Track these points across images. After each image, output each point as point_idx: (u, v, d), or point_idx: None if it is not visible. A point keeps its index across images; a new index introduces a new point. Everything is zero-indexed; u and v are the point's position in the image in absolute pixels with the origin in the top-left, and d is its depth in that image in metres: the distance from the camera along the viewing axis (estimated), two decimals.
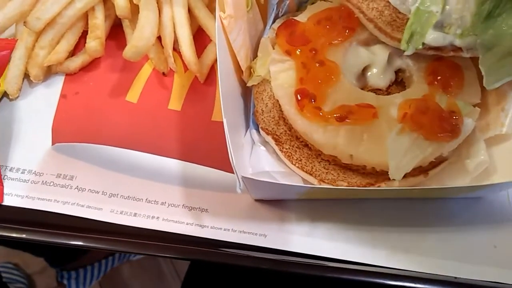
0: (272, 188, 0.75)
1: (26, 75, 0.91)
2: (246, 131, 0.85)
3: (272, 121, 0.82)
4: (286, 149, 0.80)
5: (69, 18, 0.89)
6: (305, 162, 0.79)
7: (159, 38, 0.93)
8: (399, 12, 0.77)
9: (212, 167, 0.83)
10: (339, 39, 0.80)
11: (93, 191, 0.80)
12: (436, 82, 0.78)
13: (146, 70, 0.95)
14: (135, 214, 0.79)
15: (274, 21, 0.90)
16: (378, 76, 0.82)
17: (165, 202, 0.80)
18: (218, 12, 0.75)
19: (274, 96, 0.82)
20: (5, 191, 0.80)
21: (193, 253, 0.76)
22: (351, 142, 0.73)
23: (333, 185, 0.77)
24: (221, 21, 0.76)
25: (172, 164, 0.84)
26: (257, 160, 0.82)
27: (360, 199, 0.81)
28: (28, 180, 0.81)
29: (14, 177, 0.82)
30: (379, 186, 0.76)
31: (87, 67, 0.94)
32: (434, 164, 0.78)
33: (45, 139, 0.85)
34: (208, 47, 0.95)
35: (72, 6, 0.89)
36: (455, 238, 0.79)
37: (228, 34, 0.78)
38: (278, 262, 0.76)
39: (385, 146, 0.72)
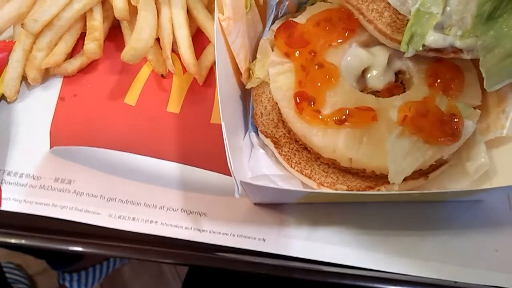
0: (270, 192, 0.74)
1: (24, 78, 0.90)
2: (245, 134, 0.85)
3: (271, 124, 0.81)
4: (285, 152, 0.79)
5: (67, 20, 0.89)
6: (304, 165, 0.78)
7: (157, 40, 0.92)
8: (399, 14, 0.76)
9: (211, 170, 0.83)
10: (339, 41, 0.79)
11: (91, 195, 0.80)
12: (436, 84, 0.77)
13: (145, 72, 0.94)
14: (133, 219, 0.78)
15: (273, 22, 0.89)
16: (378, 78, 0.81)
17: (164, 206, 0.80)
18: (216, 14, 0.75)
19: (273, 99, 0.81)
20: (3, 195, 0.80)
21: (191, 258, 0.75)
22: (351, 145, 0.73)
23: (332, 189, 0.76)
24: (220, 23, 0.75)
25: (171, 167, 0.83)
26: (256, 163, 0.82)
27: (359, 203, 0.80)
28: (26, 184, 0.81)
29: (12, 181, 0.81)
30: (378, 190, 0.75)
31: (85, 69, 0.93)
32: (434, 167, 0.77)
33: (43, 142, 0.85)
34: (207, 48, 0.94)
35: (70, 8, 0.88)
36: (455, 241, 0.79)
37: (227, 36, 0.77)
38: (277, 267, 0.76)
39: (384, 149, 0.71)
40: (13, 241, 0.77)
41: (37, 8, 0.87)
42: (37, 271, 1.89)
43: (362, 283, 0.75)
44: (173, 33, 0.91)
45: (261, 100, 0.83)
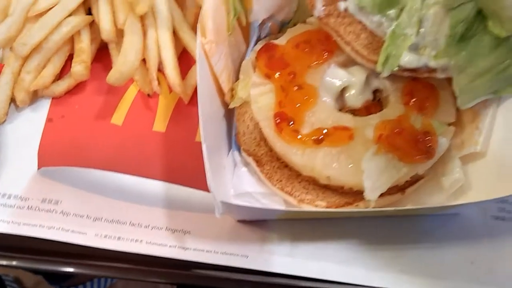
0: (251, 211, 0.77)
1: (13, 100, 0.92)
2: (229, 152, 0.87)
3: (254, 143, 0.84)
4: (267, 170, 0.81)
5: (55, 42, 0.91)
6: (285, 183, 0.81)
7: (144, 60, 0.95)
8: (375, 35, 0.78)
9: (195, 188, 0.85)
10: (318, 62, 0.82)
11: (77, 216, 0.82)
12: (411, 103, 0.80)
13: (132, 92, 0.96)
14: (119, 238, 0.80)
15: (256, 43, 0.92)
16: (356, 97, 0.83)
17: (149, 225, 0.82)
18: (199, 38, 0.77)
19: (255, 118, 0.83)
20: None
21: (175, 277, 0.77)
22: (328, 163, 0.75)
23: (312, 205, 0.78)
24: (203, 46, 0.78)
25: (156, 186, 0.85)
26: (239, 180, 0.84)
27: (339, 219, 0.83)
28: (14, 205, 0.83)
29: (0, 202, 0.83)
30: (357, 205, 0.78)
31: (73, 90, 0.95)
32: (410, 182, 0.80)
33: (31, 163, 0.86)
34: (193, 68, 0.96)
35: (58, 31, 0.91)
36: (432, 254, 0.81)
37: (210, 58, 0.80)
38: (260, 284, 0.78)
39: (361, 167, 0.73)
40: (4, 263, 0.78)
41: (25, 32, 0.90)
42: (33, 283, 1.89)
43: None
44: (159, 54, 0.93)
45: (243, 120, 0.86)
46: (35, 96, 0.94)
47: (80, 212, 0.82)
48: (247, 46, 0.92)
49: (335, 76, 0.83)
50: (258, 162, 0.82)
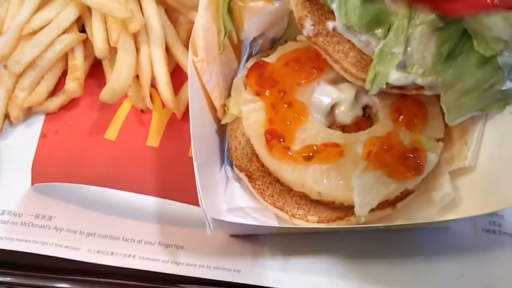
0: (243, 227, 0.77)
1: (7, 116, 0.93)
2: (222, 167, 0.88)
3: (245, 158, 0.85)
4: (259, 185, 0.82)
5: (49, 60, 0.92)
6: (277, 198, 0.82)
7: (137, 76, 0.96)
8: (364, 54, 0.80)
9: (188, 203, 0.86)
10: (307, 80, 0.83)
11: (71, 231, 0.82)
12: (400, 119, 0.81)
13: (125, 108, 0.97)
14: (112, 253, 0.81)
15: (248, 59, 0.94)
16: (346, 113, 0.85)
17: (142, 240, 0.82)
18: (190, 57, 0.79)
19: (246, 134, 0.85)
20: None
21: None
22: (319, 180, 0.76)
23: (304, 220, 0.79)
24: (194, 64, 0.79)
25: (149, 201, 0.86)
26: (232, 195, 0.85)
27: (331, 233, 0.84)
28: (8, 221, 0.83)
29: None
30: (348, 220, 0.79)
31: (67, 106, 0.97)
32: (401, 197, 0.81)
33: (24, 179, 0.87)
34: (186, 84, 0.97)
35: (52, 49, 0.92)
36: (423, 267, 0.82)
37: (202, 76, 0.81)
38: None
39: (351, 183, 0.74)
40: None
41: (19, 50, 0.91)
42: None
43: None
44: (152, 70, 0.94)
45: (235, 135, 0.87)
46: (29, 112, 0.95)
47: (73, 227, 0.83)
48: (239, 63, 0.93)
49: (324, 93, 0.85)
50: (250, 177, 0.83)
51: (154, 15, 0.95)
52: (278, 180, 0.83)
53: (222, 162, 0.89)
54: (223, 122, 0.88)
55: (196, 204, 0.84)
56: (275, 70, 0.84)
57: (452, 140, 0.85)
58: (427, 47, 0.76)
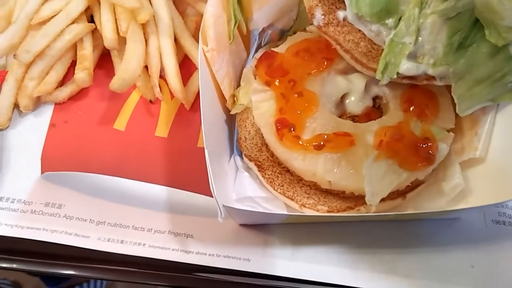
0: (253, 215, 0.77)
1: (16, 105, 0.93)
2: (231, 157, 0.88)
3: (255, 148, 0.85)
4: (269, 175, 0.82)
5: (58, 50, 0.92)
6: (287, 188, 0.82)
7: (146, 67, 0.96)
8: (374, 44, 0.80)
9: (198, 193, 0.85)
10: (318, 70, 0.83)
11: (80, 219, 0.83)
12: (411, 109, 0.81)
13: (134, 98, 0.97)
14: (122, 241, 0.81)
15: (257, 50, 0.94)
16: (356, 104, 0.85)
17: (151, 229, 0.82)
18: (201, 46, 0.78)
19: (256, 124, 0.84)
20: None
21: (178, 280, 0.78)
22: (329, 169, 0.76)
23: (314, 209, 0.79)
24: (204, 54, 0.79)
25: (159, 191, 0.86)
26: (241, 185, 0.85)
27: (341, 222, 0.83)
28: (18, 209, 0.83)
29: (4, 206, 0.83)
30: (358, 210, 0.78)
31: (76, 96, 0.96)
32: (411, 187, 0.81)
33: (34, 168, 0.87)
34: (194, 74, 0.98)
35: (61, 38, 0.92)
36: (433, 258, 0.82)
37: (211, 66, 0.81)
38: (262, 287, 0.78)
39: (362, 172, 0.74)
40: (4, 265, 0.79)
41: (29, 39, 0.91)
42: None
43: None
44: (161, 61, 0.94)
45: (245, 125, 0.87)
46: (38, 102, 0.95)
47: (83, 216, 0.83)
48: (248, 54, 0.93)
49: (335, 83, 0.85)
50: (260, 167, 0.83)
51: (162, 6, 0.95)
52: (288, 170, 0.83)
53: (232, 152, 0.88)
54: (232, 112, 0.88)
55: (205, 193, 0.85)
56: (285, 60, 0.84)
57: (463, 130, 0.85)
58: (438, 37, 0.76)
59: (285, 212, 0.80)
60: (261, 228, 0.83)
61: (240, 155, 0.87)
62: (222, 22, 0.82)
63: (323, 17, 0.80)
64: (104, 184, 0.86)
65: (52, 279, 1.79)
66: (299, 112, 0.79)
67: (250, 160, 0.83)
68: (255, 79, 0.86)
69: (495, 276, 0.81)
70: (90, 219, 0.83)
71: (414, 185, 0.81)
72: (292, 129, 0.78)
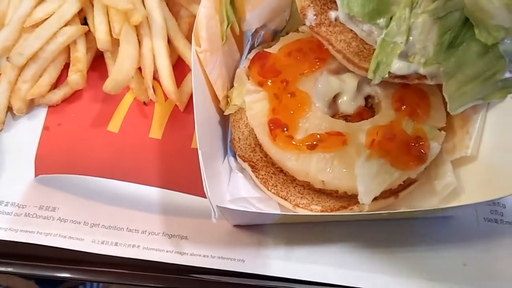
0: (247, 215, 0.78)
1: (10, 108, 0.93)
2: (225, 158, 0.88)
3: (249, 148, 0.85)
4: (262, 175, 0.83)
5: (51, 52, 0.92)
6: (280, 188, 0.82)
7: (139, 69, 0.96)
8: (366, 43, 0.80)
9: (191, 194, 0.86)
10: (310, 70, 0.84)
11: (75, 222, 0.83)
12: (402, 109, 0.82)
13: (128, 100, 0.98)
14: (116, 244, 0.81)
15: (250, 51, 0.94)
16: (348, 103, 0.85)
17: (146, 231, 0.82)
18: (193, 47, 0.79)
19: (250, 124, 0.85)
20: None
21: (172, 281, 0.78)
22: (322, 168, 0.77)
23: (308, 209, 0.80)
24: (197, 55, 0.79)
25: (153, 192, 0.86)
26: (235, 186, 0.85)
27: (334, 222, 0.84)
28: (11, 212, 0.83)
29: None
30: (351, 209, 0.79)
31: (69, 98, 0.96)
32: (403, 186, 0.81)
33: (28, 171, 0.87)
34: (188, 76, 0.98)
35: (54, 41, 0.92)
36: (426, 256, 0.82)
37: (204, 67, 0.81)
38: None
39: (354, 172, 0.75)
40: (1, 269, 0.79)
41: (22, 42, 0.91)
42: None
43: None
44: (155, 62, 0.95)
45: (238, 126, 0.87)
46: (31, 105, 0.95)
47: (77, 218, 0.83)
48: (241, 54, 0.93)
49: (327, 83, 0.85)
50: (253, 167, 0.83)
51: (156, 8, 0.95)
52: (281, 170, 0.83)
53: (225, 153, 0.89)
54: (226, 113, 0.88)
55: (199, 195, 0.86)
56: (277, 60, 0.84)
57: (454, 129, 0.85)
58: (429, 37, 0.77)
59: (279, 212, 0.81)
60: (255, 228, 0.83)
61: (234, 156, 0.87)
62: (215, 23, 0.82)
63: (315, 17, 0.81)
64: (98, 186, 0.86)
65: (46, 282, 1.79)
66: (292, 112, 0.79)
67: (244, 161, 0.84)
68: (248, 79, 0.86)
69: (487, 273, 0.81)
70: (84, 222, 0.83)
71: (407, 184, 0.82)
72: (285, 129, 0.78)
